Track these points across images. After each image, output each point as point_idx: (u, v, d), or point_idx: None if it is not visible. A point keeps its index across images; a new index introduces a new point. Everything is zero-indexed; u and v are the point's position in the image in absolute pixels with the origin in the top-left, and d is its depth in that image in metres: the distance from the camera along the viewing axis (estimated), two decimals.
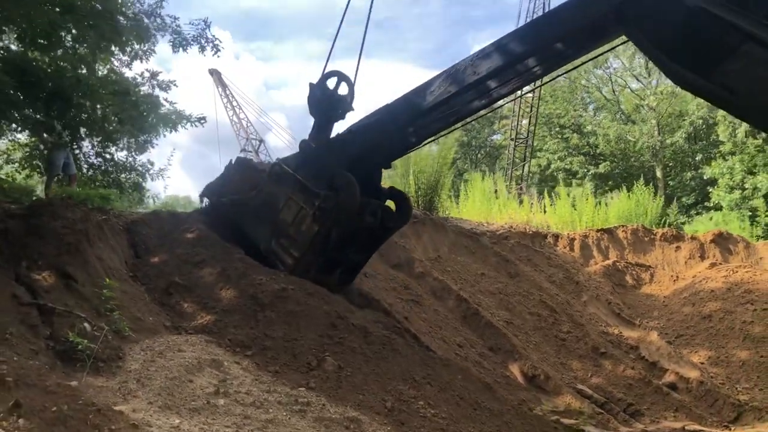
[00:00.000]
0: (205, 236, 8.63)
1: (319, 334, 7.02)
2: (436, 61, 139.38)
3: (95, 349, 5.30)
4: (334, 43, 8.33)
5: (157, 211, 10.36)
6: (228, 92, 38.13)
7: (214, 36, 9.81)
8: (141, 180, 12.82)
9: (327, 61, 7.94)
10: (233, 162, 8.80)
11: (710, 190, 43.29)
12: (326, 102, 7.79)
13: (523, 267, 13.48)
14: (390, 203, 8.60)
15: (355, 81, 7.85)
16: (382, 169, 8.57)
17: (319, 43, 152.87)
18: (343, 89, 8.05)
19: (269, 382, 5.91)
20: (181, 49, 9.56)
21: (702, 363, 11.53)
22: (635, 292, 14.35)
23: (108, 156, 12.13)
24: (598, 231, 15.81)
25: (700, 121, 44.94)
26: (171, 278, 7.80)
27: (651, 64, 51.16)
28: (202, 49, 9.75)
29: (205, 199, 9.08)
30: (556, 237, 15.49)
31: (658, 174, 49.79)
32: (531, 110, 41.46)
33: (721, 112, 39.35)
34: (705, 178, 43.94)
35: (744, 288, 12.85)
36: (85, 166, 12.30)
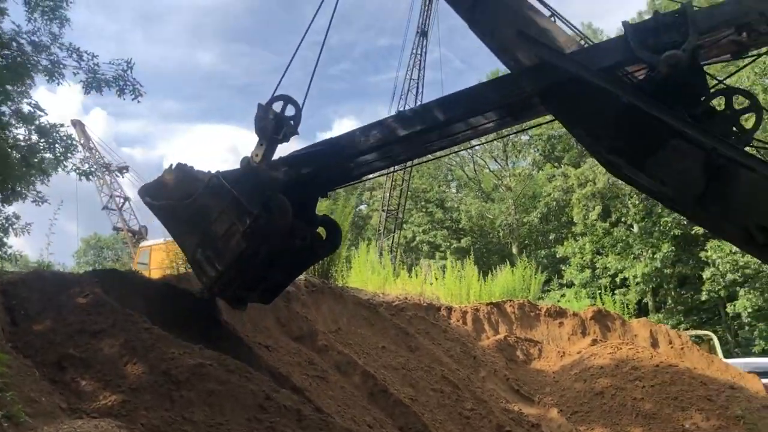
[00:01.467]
0: (102, 301, 7.50)
1: (247, 418, 6.19)
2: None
3: None
4: (287, 67, 8.27)
5: (38, 270, 8.99)
6: (92, 145, 35.78)
7: (135, 79, 8.87)
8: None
9: (278, 84, 7.98)
10: (173, 166, 8.31)
11: (563, 268, 46.01)
12: (271, 123, 7.69)
13: (422, 340, 13.16)
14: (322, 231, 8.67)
15: (302, 107, 7.91)
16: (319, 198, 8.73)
17: (174, 103, 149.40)
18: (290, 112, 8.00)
19: None
20: (93, 90, 8.54)
21: None
22: (526, 368, 14.46)
23: None
24: (487, 305, 15.96)
25: (554, 203, 48.08)
26: (63, 350, 6.62)
27: (509, 147, 54.63)
28: (121, 92, 8.76)
29: (147, 198, 8.44)
30: (450, 309, 15.43)
31: (514, 251, 52.38)
32: (402, 183, 42.39)
33: (575, 195, 42.41)
34: (557, 256, 46.69)
35: (630, 365, 13.33)
36: None
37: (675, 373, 13.00)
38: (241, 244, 7.24)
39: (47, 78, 8.51)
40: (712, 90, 6.16)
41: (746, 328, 38.84)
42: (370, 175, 9.66)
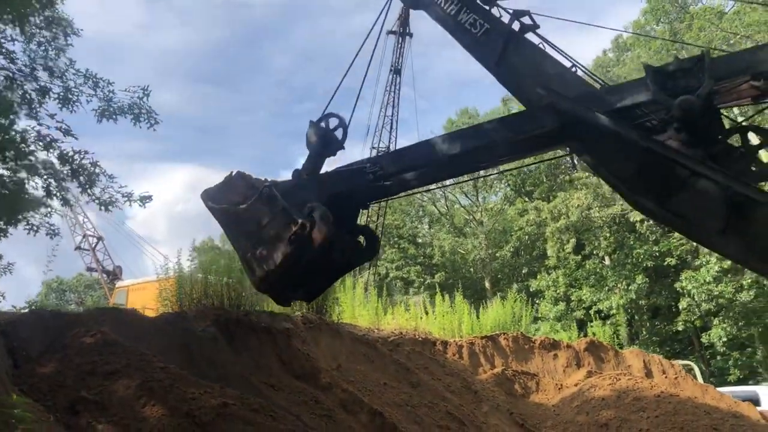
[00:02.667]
0: (111, 341, 7.10)
1: None
2: (262, 168, 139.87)
3: None
4: (336, 90, 9.30)
5: (38, 310, 8.51)
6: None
7: (150, 107, 8.53)
8: None
9: (328, 103, 8.77)
10: (233, 174, 8.98)
11: (536, 301, 46.08)
12: (321, 139, 8.47)
13: (422, 375, 12.87)
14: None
15: (348, 126, 8.73)
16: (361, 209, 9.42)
17: (138, 143, 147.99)
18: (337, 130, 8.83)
19: None
20: (107, 119, 8.14)
21: None
22: (525, 401, 14.23)
23: None
24: (482, 338, 15.74)
25: (526, 237, 48.39)
26: (75, 393, 6.20)
27: (479, 182, 55.08)
28: (136, 120, 8.41)
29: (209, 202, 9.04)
30: (445, 344, 15.16)
31: (487, 285, 52.42)
32: (377, 219, 42.22)
33: (549, 229, 42.76)
34: (531, 290, 46.78)
35: (632, 396, 13.19)
36: None
37: (677, 403, 12.90)
38: (286, 249, 7.73)
39: (60, 105, 8.13)
40: (728, 128, 6.49)
41: (718, 357, 39.19)
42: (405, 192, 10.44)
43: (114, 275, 39.12)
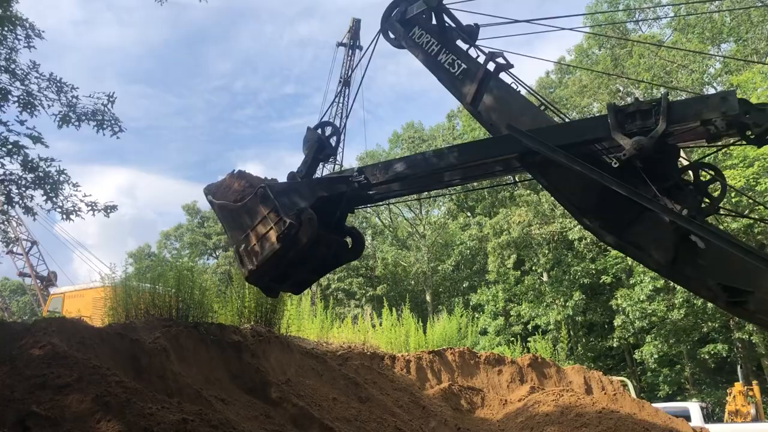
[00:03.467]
0: (62, 352, 6.83)
1: None
2: (198, 173, 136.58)
3: None
4: (333, 102, 10.40)
5: None
6: None
7: (114, 114, 8.25)
8: None
9: (325, 112, 10.21)
10: (235, 172, 9.76)
11: (476, 315, 46.65)
12: (316, 144, 9.25)
13: (371, 390, 12.84)
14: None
15: (342, 134, 10.05)
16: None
17: (70, 143, 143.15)
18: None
19: None
20: (68, 125, 7.81)
21: None
22: (471, 417, 14.35)
23: None
24: (429, 353, 15.83)
25: (468, 251, 49.02)
26: (25, 407, 5.93)
27: (423, 195, 55.58)
28: (100, 127, 8.11)
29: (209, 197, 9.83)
30: (393, 358, 15.18)
31: (428, 298, 52.83)
32: None
33: (491, 244, 43.46)
34: (471, 303, 47.42)
35: (575, 412, 13.48)
36: None
37: (618, 419, 13.25)
38: (274, 245, 8.37)
39: (20, 109, 7.78)
40: (683, 165, 6.92)
41: (649, 373, 40.52)
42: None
43: (48, 281, 37.62)
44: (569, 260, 42.22)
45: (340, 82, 39.59)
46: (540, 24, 8.62)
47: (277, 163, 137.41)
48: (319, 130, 9.44)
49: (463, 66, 8.40)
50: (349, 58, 39.27)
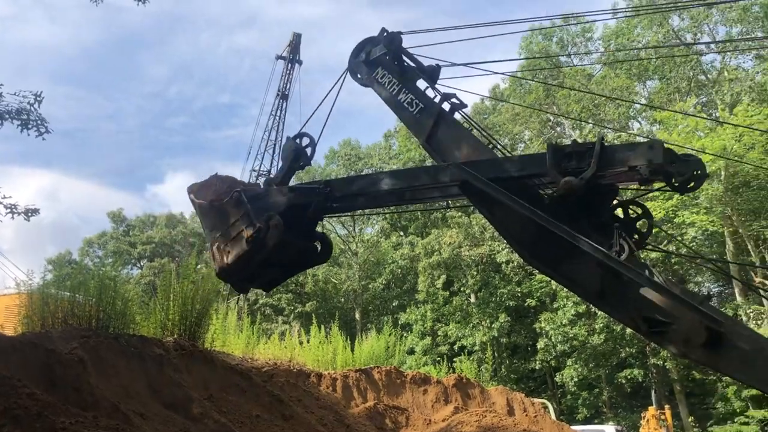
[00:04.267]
0: None
1: None
2: (126, 180, 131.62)
3: None
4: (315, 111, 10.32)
5: None
6: None
7: (41, 115, 7.85)
8: None
9: (305, 123, 9.91)
10: (217, 174, 10.20)
11: (404, 334, 46.88)
12: (293, 153, 9.74)
13: (296, 408, 12.68)
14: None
15: (317, 145, 9.92)
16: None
17: None
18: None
19: None
20: None
21: None
22: None
23: None
24: (356, 371, 15.80)
25: (399, 270, 49.31)
26: None
27: (357, 213, 55.70)
28: (25, 126, 7.71)
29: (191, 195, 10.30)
30: (319, 376, 15.06)
31: (357, 316, 52.76)
32: None
33: (421, 264, 43.85)
34: (400, 323, 47.63)
35: None
36: None
37: None
38: (243, 247, 8.80)
39: None
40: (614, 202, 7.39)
41: (569, 396, 41.60)
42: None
43: None
44: (496, 282, 43.04)
45: (277, 95, 39.40)
46: (477, 68, 9.63)
47: (209, 173, 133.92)
48: (297, 140, 9.90)
49: (421, 105, 8.95)
50: (288, 72, 39.14)
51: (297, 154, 9.82)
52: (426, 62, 9.51)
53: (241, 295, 41.74)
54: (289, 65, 39.09)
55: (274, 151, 39.63)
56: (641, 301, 6.39)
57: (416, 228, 51.55)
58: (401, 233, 53.60)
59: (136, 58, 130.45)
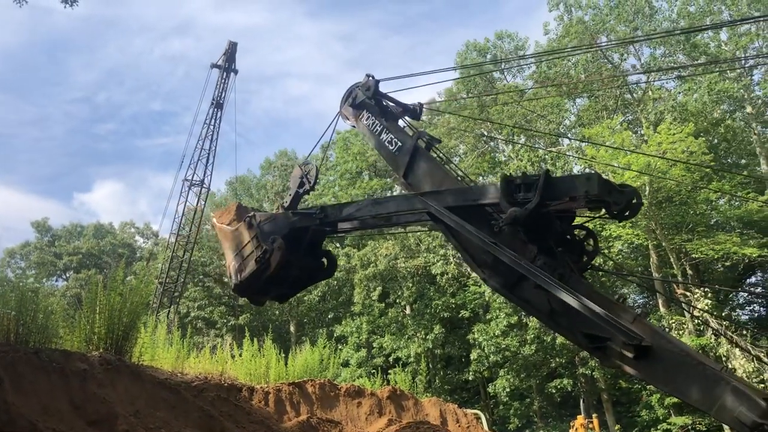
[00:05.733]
0: None
1: None
2: (51, 187, 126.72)
3: None
4: (318, 141, 12.31)
5: None
6: None
7: None
8: None
9: (311, 151, 11.44)
10: (237, 203, 11.99)
11: (339, 347, 46.68)
12: (299, 180, 10.81)
13: (226, 423, 12.40)
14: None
15: (317, 176, 10.99)
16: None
17: None
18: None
19: None
20: None
21: None
22: None
23: None
24: (289, 385, 15.59)
25: (335, 282, 49.11)
26: None
27: None
28: None
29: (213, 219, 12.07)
30: (251, 390, 14.78)
31: (292, 329, 52.28)
32: (183, 255, 40.57)
33: (357, 276, 43.79)
34: (335, 335, 47.43)
35: None
36: None
37: None
38: (253, 266, 10.30)
39: None
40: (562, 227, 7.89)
41: (501, 406, 42.21)
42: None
43: None
44: (431, 294, 43.39)
45: (212, 104, 38.77)
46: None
47: (139, 182, 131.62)
48: (302, 167, 10.98)
49: (399, 144, 9.87)
50: (223, 81, 38.61)
51: (302, 181, 10.82)
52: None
53: (172, 307, 40.80)
54: (225, 74, 38.56)
55: (208, 161, 38.95)
56: (583, 319, 6.83)
57: (353, 240, 51.52)
58: (337, 245, 53.46)
59: (62, 63, 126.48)
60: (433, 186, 9.07)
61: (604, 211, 7.57)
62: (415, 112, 10.76)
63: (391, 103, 10.57)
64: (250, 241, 10.56)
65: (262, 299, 11.95)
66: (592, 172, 7.60)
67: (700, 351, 24.38)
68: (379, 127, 10.20)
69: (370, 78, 10.57)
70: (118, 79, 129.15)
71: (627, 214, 7.50)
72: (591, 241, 7.80)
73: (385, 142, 10.02)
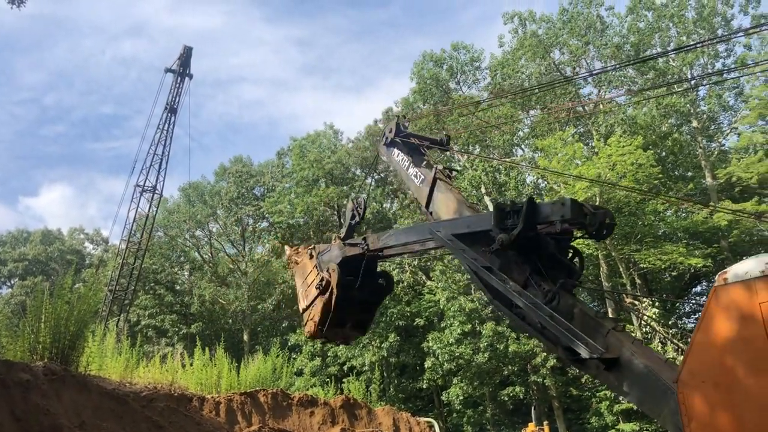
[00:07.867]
0: None
1: None
2: None
3: None
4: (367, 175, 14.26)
5: None
6: None
7: None
8: None
9: (360, 184, 13.73)
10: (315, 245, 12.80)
11: (293, 356, 46.32)
12: (352, 212, 11.90)
13: None
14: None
15: (365, 208, 12.16)
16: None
17: None
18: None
19: None
20: None
21: None
22: None
23: None
24: (241, 395, 15.41)
25: (289, 290, 48.73)
26: None
27: (247, 232, 54.80)
28: None
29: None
30: (202, 400, 14.57)
31: (245, 338, 51.63)
32: (135, 262, 39.76)
33: None
34: (290, 344, 47.06)
35: None
36: None
37: None
38: (314, 292, 11.38)
39: None
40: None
41: (455, 414, 42.40)
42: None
43: None
44: (387, 302, 43.40)
45: (166, 108, 38.19)
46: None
47: (89, 185, 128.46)
48: (354, 201, 12.12)
49: (422, 177, 10.74)
50: (177, 86, 38.08)
51: (353, 213, 11.91)
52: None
53: (122, 316, 39.95)
54: (179, 79, 38.04)
55: (160, 166, 38.29)
56: (561, 334, 7.13)
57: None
58: None
59: (8, 63, 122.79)
60: (449, 214, 9.92)
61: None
62: (442, 142, 12.06)
63: (416, 141, 11.52)
64: (311, 271, 11.74)
65: (343, 332, 12.06)
66: (565, 198, 7.95)
67: None
68: (407, 162, 11.23)
69: (397, 118, 12.10)
70: (67, 81, 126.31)
71: (604, 233, 8.05)
72: (577, 260, 8.36)
73: (412, 176, 11.00)
